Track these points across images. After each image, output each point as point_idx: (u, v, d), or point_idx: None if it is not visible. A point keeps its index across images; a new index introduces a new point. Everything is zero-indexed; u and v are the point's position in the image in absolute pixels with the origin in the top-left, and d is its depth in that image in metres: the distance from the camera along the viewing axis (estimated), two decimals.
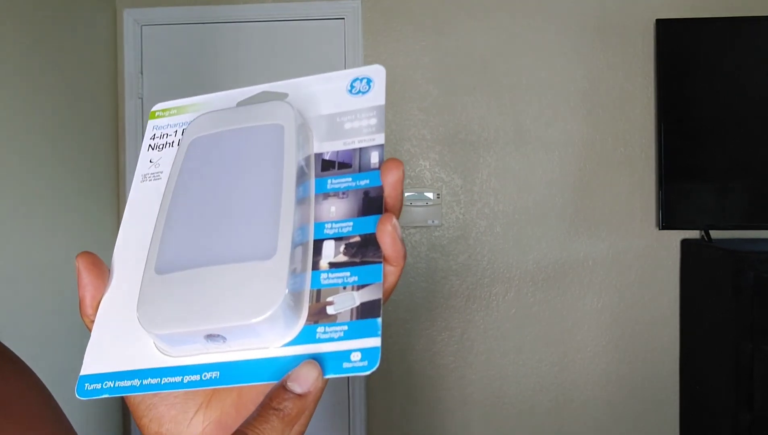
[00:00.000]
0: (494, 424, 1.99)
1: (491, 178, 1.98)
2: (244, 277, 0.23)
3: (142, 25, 2.05)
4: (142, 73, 2.05)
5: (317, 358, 0.22)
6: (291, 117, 0.27)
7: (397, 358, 2.00)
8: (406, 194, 1.97)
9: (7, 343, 0.41)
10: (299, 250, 0.24)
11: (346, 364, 0.22)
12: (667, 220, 1.82)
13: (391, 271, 0.24)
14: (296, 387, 0.21)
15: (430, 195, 1.98)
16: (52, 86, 1.65)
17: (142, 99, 2.06)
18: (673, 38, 1.83)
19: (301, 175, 0.26)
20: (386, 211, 0.25)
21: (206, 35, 2.04)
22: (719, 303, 1.64)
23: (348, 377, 1.97)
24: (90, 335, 0.26)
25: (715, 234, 1.85)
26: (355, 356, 0.22)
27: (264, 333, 0.22)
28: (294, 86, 0.30)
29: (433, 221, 1.98)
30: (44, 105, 1.61)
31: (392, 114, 1.99)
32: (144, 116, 2.06)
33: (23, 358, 0.42)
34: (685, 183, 1.83)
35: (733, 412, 1.54)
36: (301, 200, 0.25)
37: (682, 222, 1.84)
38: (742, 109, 1.80)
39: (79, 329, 1.76)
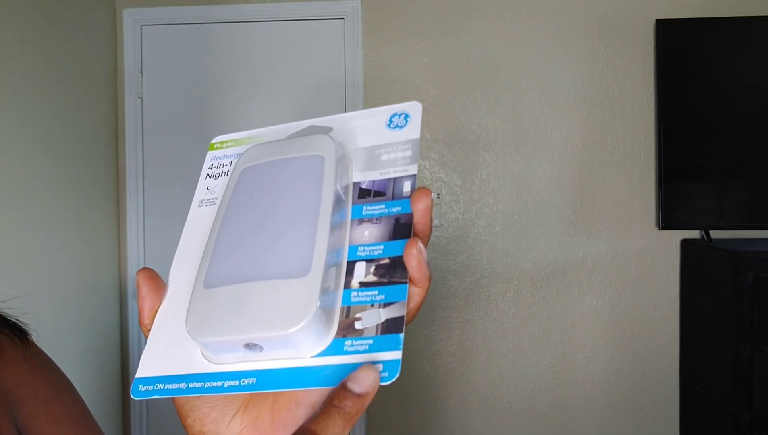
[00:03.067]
0: (493, 424, 1.99)
1: (490, 178, 1.98)
2: (280, 292, 0.25)
3: (142, 25, 2.05)
4: (142, 73, 2.05)
5: (344, 369, 0.24)
6: (332, 149, 0.30)
7: None
8: None
9: None
10: (333, 270, 0.26)
11: None
12: (666, 220, 1.81)
13: (417, 292, 0.26)
14: (356, 387, 0.24)
15: None
16: (51, 86, 1.65)
17: (142, 99, 2.06)
18: (673, 38, 1.83)
19: (339, 202, 0.28)
20: (415, 235, 0.27)
21: (206, 35, 2.04)
22: (719, 303, 1.64)
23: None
24: (147, 342, 0.29)
25: (714, 234, 1.85)
26: (378, 368, 0.24)
27: (297, 344, 0.24)
28: (338, 121, 0.33)
29: (432, 221, 1.98)
30: (44, 105, 1.61)
31: None
32: (144, 116, 2.06)
33: None
34: (685, 183, 1.83)
35: (732, 412, 1.54)
36: (338, 225, 0.28)
37: (682, 222, 1.84)
38: (742, 109, 1.80)
39: (79, 326, 1.76)
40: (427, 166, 2.00)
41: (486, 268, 1.99)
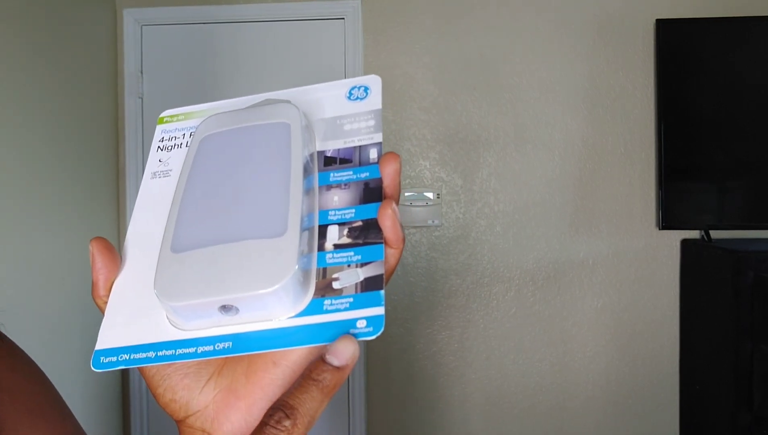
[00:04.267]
0: (494, 424, 1.99)
1: (491, 177, 1.98)
2: (257, 252, 0.24)
3: (142, 25, 2.05)
4: (142, 73, 2.05)
5: (325, 327, 0.23)
6: (297, 116, 0.29)
7: (397, 358, 2.00)
8: (406, 194, 1.98)
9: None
10: (306, 234, 0.26)
11: (352, 331, 0.23)
12: (667, 220, 1.82)
13: (392, 253, 0.26)
14: (334, 360, 0.23)
15: (430, 195, 1.98)
16: (52, 86, 1.65)
17: (142, 98, 2.06)
18: (673, 38, 1.83)
19: (306, 169, 0.28)
20: (385, 198, 0.27)
21: (206, 35, 2.04)
22: (719, 303, 1.64)
23: (349, 374, 1.98)
24: (105, 314, 0.27)
25: (715, 234, 1.85)
26: (361, 323, 0.23)
27: (274, 305, 0.24)
28: (296, 94, 0.32)
29: (433, 221, 1.98)
30: (44, 104, 1.61)
31: (392, 113, 1.99)
32: (144, 116, 2.06)
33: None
34: (685, 183, 1.83)
35: (732, 412, 1.54)
36: (306, 191, 0.27)
37: (682, 222, 1.84)
38: (741, 109, 1.80)
39: (81, 326, 1.76)
40: (428, 166, 2.00)
41: (487, 267, 1.99)
